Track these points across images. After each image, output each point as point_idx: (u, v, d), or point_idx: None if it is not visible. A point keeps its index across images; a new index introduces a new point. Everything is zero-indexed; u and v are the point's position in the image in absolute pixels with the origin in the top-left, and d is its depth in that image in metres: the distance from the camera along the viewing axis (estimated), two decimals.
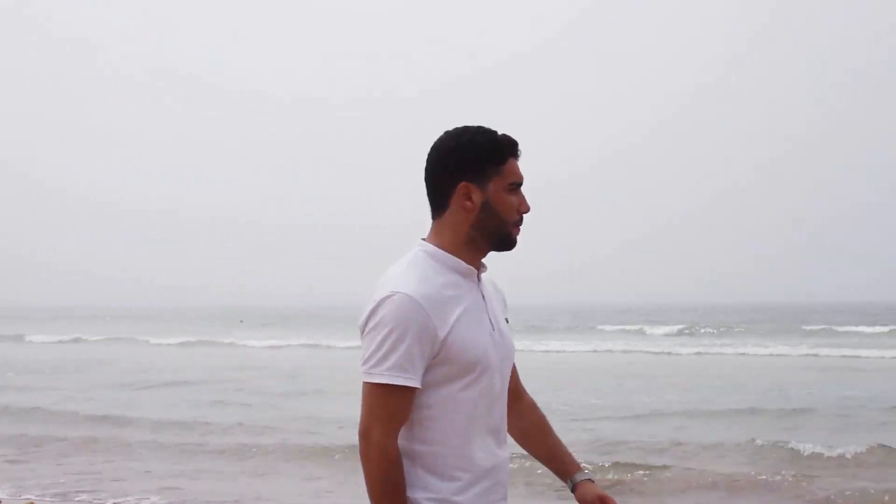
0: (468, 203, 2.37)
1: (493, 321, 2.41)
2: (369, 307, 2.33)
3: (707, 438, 11.85)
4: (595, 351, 33.29)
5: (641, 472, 9.66)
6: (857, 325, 50.82)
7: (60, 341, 44.19)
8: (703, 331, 48.30)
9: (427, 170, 2.42)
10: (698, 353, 31.60)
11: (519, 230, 2.43)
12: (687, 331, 47.77)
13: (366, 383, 2.30)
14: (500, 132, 2.40)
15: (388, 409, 2.27)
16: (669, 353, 31.78)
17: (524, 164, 2.48)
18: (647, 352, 32.64)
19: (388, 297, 2.29)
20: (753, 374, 22.44)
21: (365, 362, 2.30)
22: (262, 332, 52.72)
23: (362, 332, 2.34)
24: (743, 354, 30.49)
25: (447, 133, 2.41)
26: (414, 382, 2.28)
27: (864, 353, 29.59)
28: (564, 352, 33.67)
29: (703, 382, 20.06)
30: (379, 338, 2.28)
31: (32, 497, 8.90)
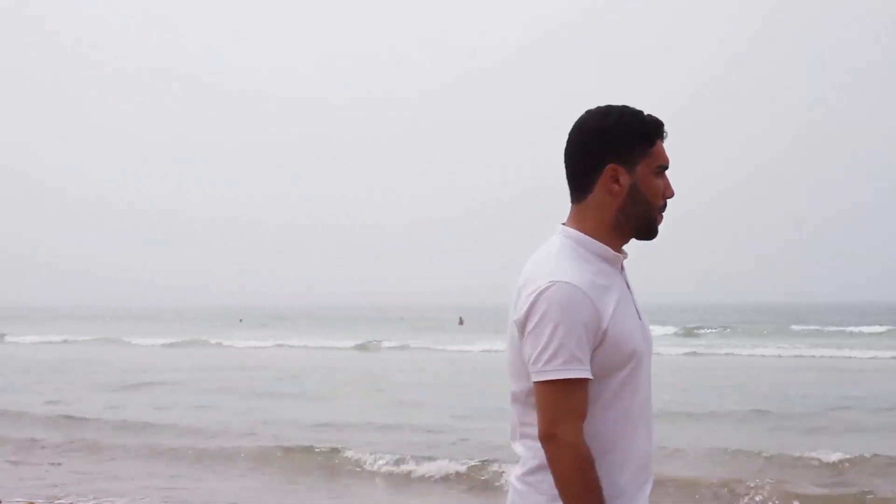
0: (616, 186, 2.24)
1: (638, 310, 2.31)
2: (527, 302, 2.17)
3: (694, 442, 11.86)
4: None
5: None
6: (856, 325, 50.80)
7: (47, 342, 43.89)
8: (702, 331, 48.28)
9: (569, 151, 2.29)
10: (694, 354, 31.55)
11: (662, 217, 2.31)
12: (686, 331, 47.76)
13: (540, 383, 2.15)
14: (645, 112, 2.28)
15: (570, 405, 2.13)
16: (659, 354, 31.76)
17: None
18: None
19: (547, 287, 2.15)
20: (752, 375, 22.46)
21: (535, 361, 2.15)
22: (257, 332, 52.64)
23: (523, 331, 2.19)
24: (739, 355, 30.46)
25: (590, 113, 2.28)
26: (588, 373, 2.15)
27: (858, 353, 29.56)
28: None
29: (699, 384, 20.09)
30: (547, 332, 2.13)
31: (22, 499, 8.94)
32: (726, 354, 30.73)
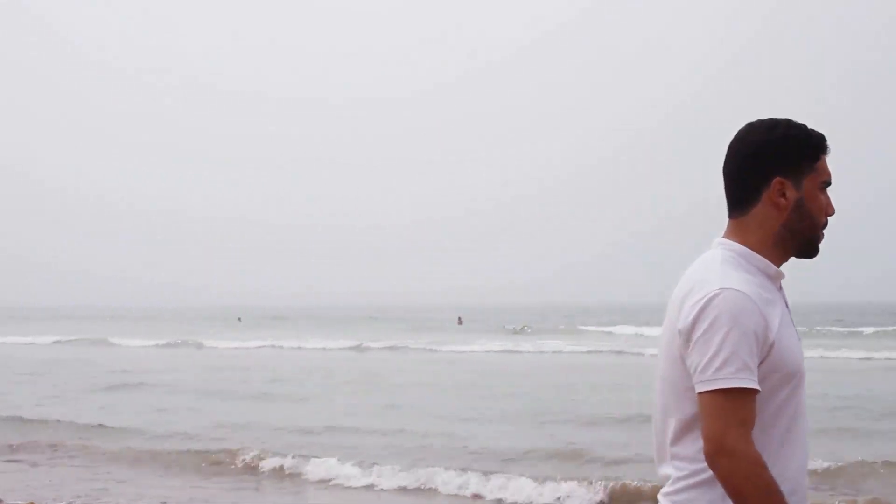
0: (782, 200, 2.20)
1: (796, 329, 2.24)
2: (694, 309, 2.10)
3: None
4: (590, 352, 33.26)
5: (607, 480, 9.50)
6: (856, 325, 50.74)
7: (42, 343, 43.58)
8: None
9: (730, 164, 2.24)
10: None
11: (824, 235, 2.26)
12: None
13: (708, 393, 2.06)
14: (808, 126, 2.25)
15: (740, 415, 2.04)
16: (657, 355, 31.54)
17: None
18: (644, 353, 32.45)
19: (717, 294, 2.08)
20: None
21: (704, 369, 2.06)
22: (254, 332, 52.47)
23: (689, 339, 2.11)
24: None
25: (753, 126, 2.25)
26: (758, 385, 2.07)
27: (857, 354, 29.58)
28: (562, 352, 33.60)
29: None
30: (717, 339, 2.05)
31: (22, 500, 8.97)
32: None
